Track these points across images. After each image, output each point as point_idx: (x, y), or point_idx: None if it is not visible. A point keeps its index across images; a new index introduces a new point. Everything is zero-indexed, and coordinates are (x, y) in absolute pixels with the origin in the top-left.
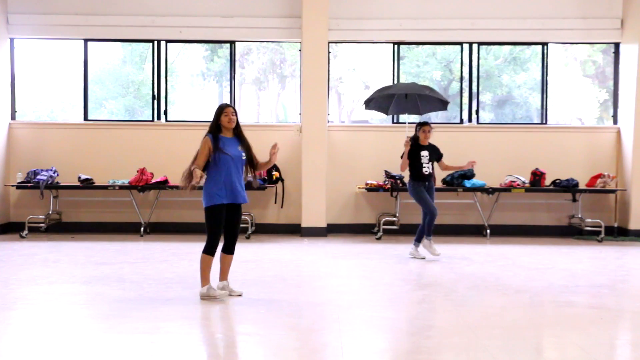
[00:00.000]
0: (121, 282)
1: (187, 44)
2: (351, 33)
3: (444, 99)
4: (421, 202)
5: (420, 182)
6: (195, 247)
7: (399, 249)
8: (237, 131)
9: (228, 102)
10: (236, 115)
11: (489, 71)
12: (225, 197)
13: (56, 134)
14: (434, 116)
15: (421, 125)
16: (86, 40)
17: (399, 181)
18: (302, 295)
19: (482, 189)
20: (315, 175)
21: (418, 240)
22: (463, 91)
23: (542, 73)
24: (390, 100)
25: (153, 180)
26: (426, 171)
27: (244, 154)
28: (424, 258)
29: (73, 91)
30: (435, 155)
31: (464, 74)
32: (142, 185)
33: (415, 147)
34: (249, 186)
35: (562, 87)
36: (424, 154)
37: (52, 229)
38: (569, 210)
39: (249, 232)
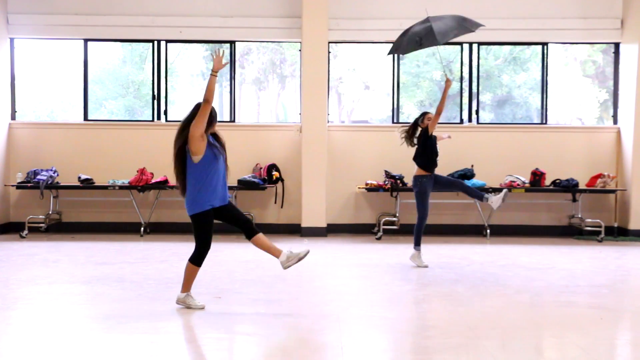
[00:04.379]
0: (121, 282)
1: (187, 44)
2: (351, 33)
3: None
4: (423, 202)
5: (430, 173)
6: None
7: (399, 249)
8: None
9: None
10: None
11: (489, 71)
12: (217, 199)
13: (56, 134)
14: None
15: (424, 114)
16: (86, 40)
17: (399, 181)
18: (302, 295)
19: (482, 189)
20: (315, 175)
21: (418, 244)
22: (463, 91)
23: (542, 73)
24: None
25: (153, 180)
26: (438, 160)
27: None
28: (426, 266)
29: (73, 91)
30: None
31: (464, 74)
32: (142, 185)
33: (426, 135)
34: (252, 186)
35: (562, 87)
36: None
37: (52, 229)
38: (569, 210)
39: None
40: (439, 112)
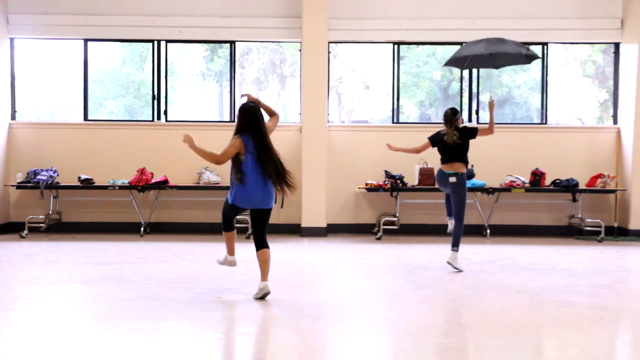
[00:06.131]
0: (121, 282)
1: (187, 44)
2: (351, 33)
3: (529, 54)
4: (465, 201)
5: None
6: (195, 247)
7: (399, 249)
8: None
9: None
10: None
11: (489, 71)
12: None
13: (56, 134)
14: (433, 116)
15: (457, 113)
16: (86, 40)
17: (399, 181)
18: (302, 295)
19: (482, 189)
20: (315, 175)
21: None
22: (463, 91)
23: (542, 73)
24: (467, 57)
25: (153, 180)
26: None
27: None
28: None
29: (73, 91)
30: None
31: (464, 74)
32: (142, 185)
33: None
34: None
35: (562, 87)
36: None
37: (52, 229)
38: (569, 210)
39: (249, 232)
40: (491, 129)
